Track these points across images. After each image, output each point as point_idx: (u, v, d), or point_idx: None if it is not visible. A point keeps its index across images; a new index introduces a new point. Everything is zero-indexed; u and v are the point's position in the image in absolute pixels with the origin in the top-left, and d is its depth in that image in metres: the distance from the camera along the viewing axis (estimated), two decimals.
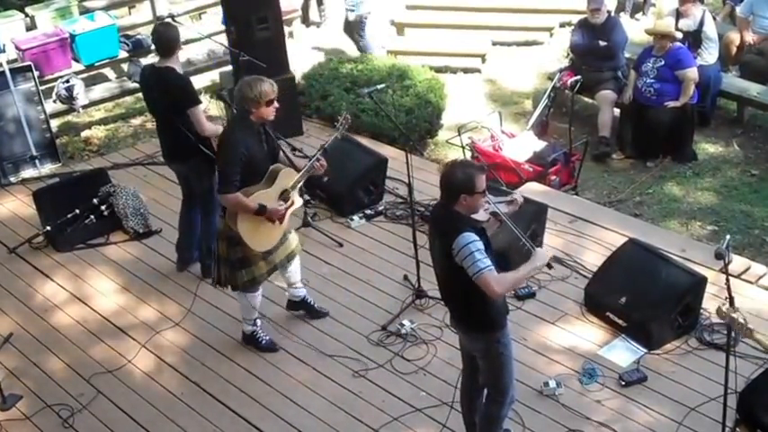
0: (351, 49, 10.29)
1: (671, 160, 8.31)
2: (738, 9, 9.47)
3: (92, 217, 7.11)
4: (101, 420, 5.39)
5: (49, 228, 7.01)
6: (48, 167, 8.44)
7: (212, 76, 9.98)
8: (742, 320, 4.22)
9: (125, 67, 9.95)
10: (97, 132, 9.22)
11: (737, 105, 8.98)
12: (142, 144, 8.79)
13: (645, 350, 5.61)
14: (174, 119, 5.96)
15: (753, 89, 8.74)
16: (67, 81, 9.13)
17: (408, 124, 8.31)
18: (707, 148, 8.53)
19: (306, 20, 11.58)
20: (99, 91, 9.61)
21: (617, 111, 8.73)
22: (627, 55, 8.91)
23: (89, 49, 9.18)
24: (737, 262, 6.20)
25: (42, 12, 9.59)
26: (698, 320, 5.75)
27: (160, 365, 5.83)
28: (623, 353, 5.64)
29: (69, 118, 9.36)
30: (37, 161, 8.39)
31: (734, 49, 9.32)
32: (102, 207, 7.15)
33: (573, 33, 9.08)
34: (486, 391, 4.75)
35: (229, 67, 9.12)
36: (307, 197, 7.32)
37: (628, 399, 5.29)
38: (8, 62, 8.31)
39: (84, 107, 9.33)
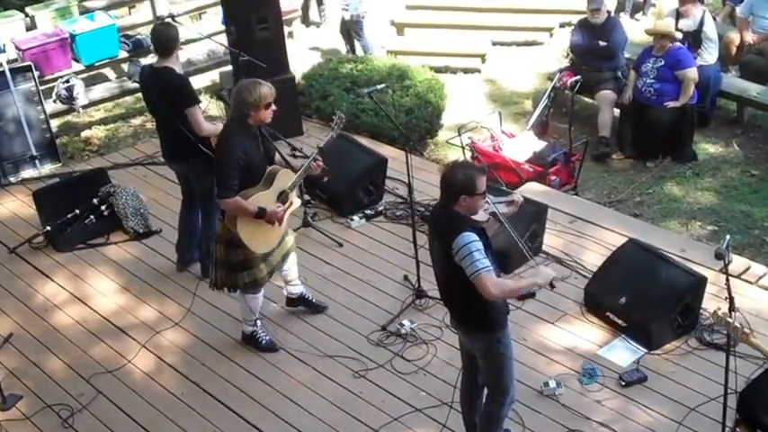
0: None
1: (671, 160, 8.31)
2: (738, 9, 9.48)
3: (92, 217, 7.11)
4: (101, 420, 5.39)
5: (48, 228, 7.01)
6: (48, 167, 8.44)
7: (212, 76, 10.00)
8: (738, 325, 4.22)
9: (125, 67, 9.96)
10: (97, 132, 9.22)
11: (737, 105, 8.99)
12: (142, 144, 8.79)
13: (645, 350, 5.61)
14: (174, 119, 5.96)
15: (753, 89, 8.74)
16: (67, 81, 9.13)
17: (408, 124, 8.31)
18: (707, 148, 8.53)
19: (306, 20, 11.59)
20: (99, 91, 9.62)
21: (617, 111, 8.73)
22: (627, 55, 8.91)
23: (89, 49, 9.18)
24: (737, 262, 6.20)
25: (42, 12, 9.59)
26: (698, 320, 5.74)
27: (160, 365, 5.83)
28: (623, 353, 5.64)
29: (69, 118, 9.37)
30: (37, 161, 8.39)
31: (734, 50, 9.33)
32: (102, 207, 7.15)
33: (573, 33, 9.08)
34: (486, 391, 4.76)
35: (229, 67, 9.13)
36: (307, 197, 7.33)
37: (628, 399, 5.29)
38: (8, 62, 8.31)
39: (84, 107, 9.33)
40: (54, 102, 9.14)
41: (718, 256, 4.27)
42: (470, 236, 4.16)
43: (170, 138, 6.19)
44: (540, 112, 8.78)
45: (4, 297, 6.58)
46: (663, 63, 8.17)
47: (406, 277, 6.41)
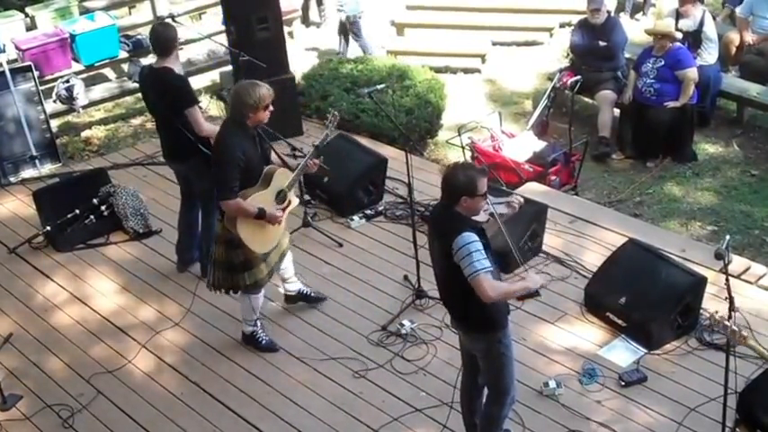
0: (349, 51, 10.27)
1: (671, 160, 8.31)
2: (738, 9, 9.47)
3: (92, 217, 7.11)
4: (101, 420, 5.39)
5: (49, 228, 7.01)
6: (48, 167, 8.44)
7: (212, 76, 10.00)
8: (735, 328, 4.23)
9: (125, 67, 9.96)
10: (97, 132, 9.22)
11: (737, 105, 8.99)
12: (142, 144, 8.80)
13: (645, 350, 5.61)
14: (174, 119, 5.96)
15: (752, 89, 8.74)
16: (67, 81, 9.13)
17: (408, 124, 8.32)
18: (707, 148, 8.54)
19: (306, 20, 11.59)
20: (99, 91, 9.62)
21: (617, 111, 8.73)
22: (627, 55, 8.91)
23: (89, 50, 9.18)
24: (737, 262, 6.20)
25: (42, 12, 9.60)
26: (698, 321, 5.74)
27: (160, 365, 5.83)
28: (623, 353, 5.64)
29: (69, 118, 9.37)
30: (37, 161, 8.39)
31: (733, 50, 9.33)
32: (102, 207, 7.15)
33: (573, 33, 9.09)
34: (486, 391, 4.76)
35: (229, 68, 9.13)
36: (307, 197, 7.33)
37: (628, 399, 5.29)
38: (8, 62, 8.31)
39: (84, 107, 9.33)
40: (54, 102, 9.14)
41: (718, 256, 4.27)
42: (470, 236, 4.16)
43: (170, 138, 6.19)
44: (540, 112, 8.78)
45: (4, 297, 6.58)
46: (663, 63, 8.17)
47: (406, 277, 6.41)
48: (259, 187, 5.37)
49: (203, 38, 9.39)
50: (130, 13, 11.10)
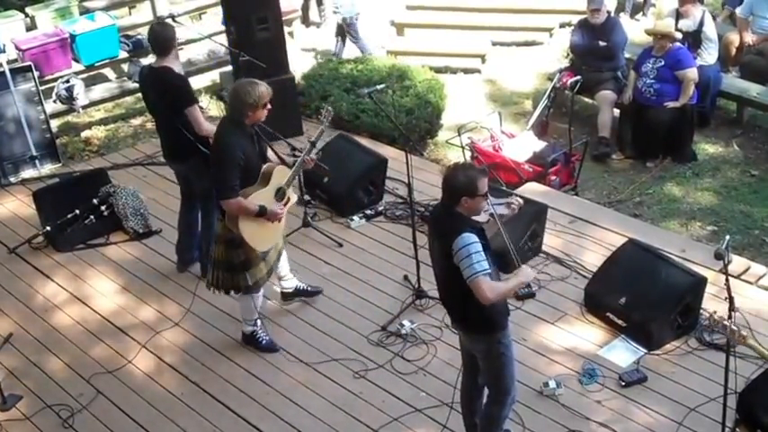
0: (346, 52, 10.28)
1: (671, 161, 8.31)
2: (738, 10, 9.48)
3: (92, 217, 7.11)
4: (101, 420, 5.39)
5: (48, 228, 7.01)
6: (48, 167, 8.44)
7: (212, 77, 9.99)
8: (735, 328, 4.23)
9: (125, 67, 9.96)
10: (97, 132, 9.22)
11: (737, 106, 8.99)
12: (142, 144, 8.80)
13: (645, 350, 5.61)
14: (173, 118, 5.96)
15: (752, 89, 8.74)
16: (67, 81, 9.13)
17: (408, 124, 8.31)
18: (707, 148, 8.54)
19: (306, 20, 11.59)
20: (99, 91, 9.61)
21: (617, 111, 8.73)
22: (627, 55, 8.91)
23: (89, 50, 9.18)
24: (737, 262, 6.20)
25: (42, 12, 9.59)
26: (698, 321, 5.74)
27: (160, 366, 5.83)
28: (623, 353, 5.64)
29: (69, 118, 9.37)
30: (37, 161, 8.39)
31: (733, 50, 9.33)
32: (102, 207, 7.15)
33: (573, 34, 9.09)
34: (486, 391, 4.76)
35: (229, 68, 9.13)
36: (307, 197, 7.34)
37: (628, 399, 5.29)
38: (8, 62, 8.31)
39: (84, 107, 9.33)
40: (54, 102, 9.14)
41: (718, 256, 4.27)
42: (470, 237, 4.16)
43: (170, 137, 6.19)
44: (540, 113, 8.78)
45: (4, 297, 6.58)
46: (663, 63, 8.17)
47: (406, 277, 6.41)
48: (258, 186, 5.37)
49: (203, 38, 9.39)
50: (130, 13, 11.10)
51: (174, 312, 6.29)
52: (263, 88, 5.24)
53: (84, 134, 9.15)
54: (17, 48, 8.81)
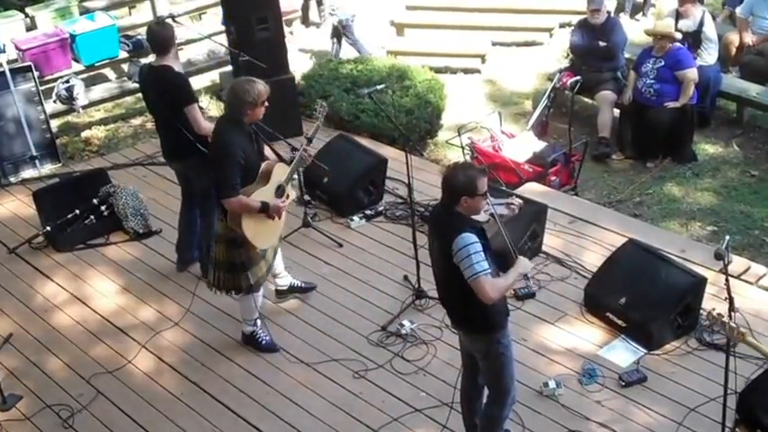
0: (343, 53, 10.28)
1: (671, 161, 8.31)
2: (738, 10, 9.48)
3: (92, 217, 7.11)
4: (100, 421, 5.39)
5: (49, 228, 7.01)
6: (48, 168, 8.45)
7: (212, 77, 10.00)
8: (733, 324, 4.22)
9: (125, 67, 9.96)
10: (97, 132, 9.22)
11: (737, 106, 8.99)
12: (142, 144, 8.80)
13: (645, 350, 5.61)
14: (173, 117, 5.97)
15: (752, 90, 8.74)
16: (67, 81, 9.13)
17: (408, 125, 8.31)
18: (706, 148, 8.54)
19: (306, 20, 11.59)
20: (99, 91, 9.61)
21: (617, 111, 8.73)
22: (626, 55, 8.91)
23: (89, 50, 9.18)
24: (737, 262, 6.20)
25: (42, 12, 9.59)
26: (698, 321, 5.74)
27: (160, 366, 5.83)
28: (623, 353, 5.64)
29: (69, 118, 9.37)
30: (37, 161, 8.39)
31: (733, 50, 9.33)
32: (102, 207, 7.15)
33: (573, 34, 9.09)
34: (486, 391, 4.76)
35: (229, 68, 9.13)
36: (307, 198, 7.34)
37: (628, 399, 5.29)
38: (8, 62, 8.31)
39: (84, 107, 9.33)
40: (54, 102, 9.14)
41: (718, 256, 4.27)
42: (470, 237, 4.16)
43: (170, 137, 6.19)
44: (540, 113, 8.78)
45: (4, 297, 6.58)
46: (663, 63, 8.17)
47: (405, 277, 6.41)
48: (259, 184, 5.38)
49: (203, 38, 9.39)
50: (130, 14, 11.10)
51: (173, 312, 6.29)
52: (261, 86, 5.25)
53: (84, 134, 9.15)
54: (17, 48, 8.82)
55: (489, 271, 4.17)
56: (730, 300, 4.33)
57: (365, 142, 8.01)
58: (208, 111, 9.20)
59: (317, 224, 7.11)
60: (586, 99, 9.05)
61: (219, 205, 5.38)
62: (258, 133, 5.47)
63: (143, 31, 9.71)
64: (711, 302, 5.51)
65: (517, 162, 7.83)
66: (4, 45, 8.73)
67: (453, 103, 9.18)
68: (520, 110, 9.51)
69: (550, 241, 6.69)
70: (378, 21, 11.05)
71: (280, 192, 5.49)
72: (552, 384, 5.34)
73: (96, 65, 9.43)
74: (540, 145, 8.07)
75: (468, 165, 4.69)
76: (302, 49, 10.81)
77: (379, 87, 6.93)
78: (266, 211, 5.34)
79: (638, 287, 5.78)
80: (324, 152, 7.37)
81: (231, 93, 5.30)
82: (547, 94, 8.84)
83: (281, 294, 6.23)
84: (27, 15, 9.59)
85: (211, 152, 5.52)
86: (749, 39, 9.24)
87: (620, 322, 5.80)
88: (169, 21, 7.06)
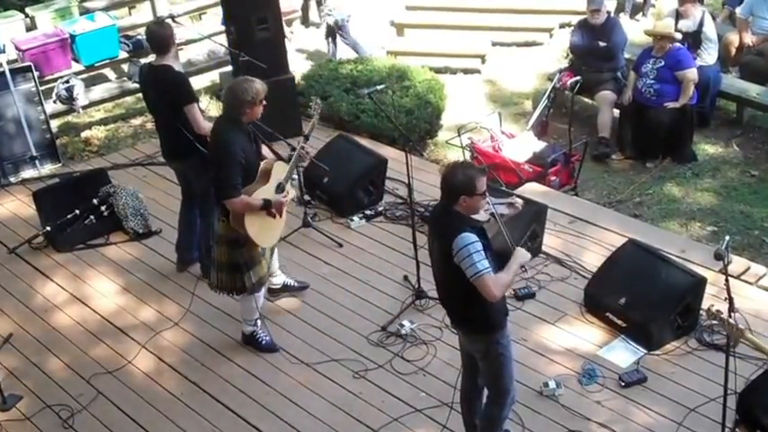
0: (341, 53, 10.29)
1: (670, 161, 8.31)
2: (738, 10, 9.48)
3: (92, 217, 7.11)
4: (100, 421, 5.39)
5: (48, 228, 7.01)
6: (48, 168, 8.45)
7: (212, 77, 10.00)
8: (732, 321, 4.23)
9: (125, 67, 9.96)
10: (97, 133, 9.22)
11: (737, 106, 8.99)
12: (142, 144, 8.80)
13: (645, 351, 5.61)
14: (173, 117, 5.97)
15: (752, 90, 8.74)
16: (67, 81, 9.12)
17: (408, 125, 8.31)
18: (706, 148, 8.54)
19: (306, 20, 11.59)
20: (99, 91, 9.61)
21: (616, 111, 8.73)
22: (626, 56, 8.91)
23: (89, 50, 9.18)
24: (737, 263, 6.21)
25: (42, 12, 9.59)
26: (698, 321, 5.74)
27: (160, 366, 5.83)
28: (623, 353, 5.64)
29: (69, 118, 9.37)
30: (37, 161, 8.39)
31: (733, 50, 9.33)
32: (102, 207, 7.15)
33: (572, 34, 9.09)
34: (486, 392, 4.76)
35: (229, 68, 9.13)
36: (307, 198, 7.34)
37: (627, 399, 5.29)
38: (8, 62, 8.31)
39: (84, 107, 9.33)
40: (54, 102, 9.14)
41: (718, 256, 4.27)
42: (470, 236, 4.16)
43: (169, 137, 6.19)
44: (540, 113, 8.78)
45: (4, 297, 6.58)
46: (662, 64, 8.17)
47: (405, 278, 6.41)
48: (259, 183, 5.40)
49: (203, 38, 9.39)
50: (130, 14, 11.10)
51: (173, 312, 6.29)
52: (259, 85, 5.26)
53: (84, 134, 9.16)
54: (17, 48, 8.81)
55: (491, 269, 4.17)
56: (730, 300, 4.33)
57: (365, 142, 8.01)
58: (208, 111, 9.20)
59: (317, 224, 7.11)
60: (586, 99, 9.05)
61: (220, 206, 5.38)
62: (256, 132, 5.48)
63: (143, 31, 9.73)
64: (711, 303, 5.51)
65: (517, 162, 7.83)
66: (4, 45, 8.74)
67: (453, 103, 9.18)
68: (520, 110, 9.51)
69: (550, 241, 6.70)
70: (377, 21, 11.05)
71: (280, 190, 5.51)
72: (552, 384, 5.34)
73: (96, 65, 9.43)
74: (539, 145, 8.07)
75: (468, 164, 4.69)
76: (300, 50, 10.81)
77: (378, 87, 6.94)
78: (268, 207, 5.35)
79: (638, 287, 5.78)
80: (324, 152, 7.38)
81: (229, 92, 5.31)
82: (547, 94, 8.84)
83: (274, 293, 6.24)
84: (27, 15, 9.59)
85: (211, 152, 5.52)
86: (749, 39, 9.23)
87: (619, 322, 5.80)
88: (169, 21, 7.07)
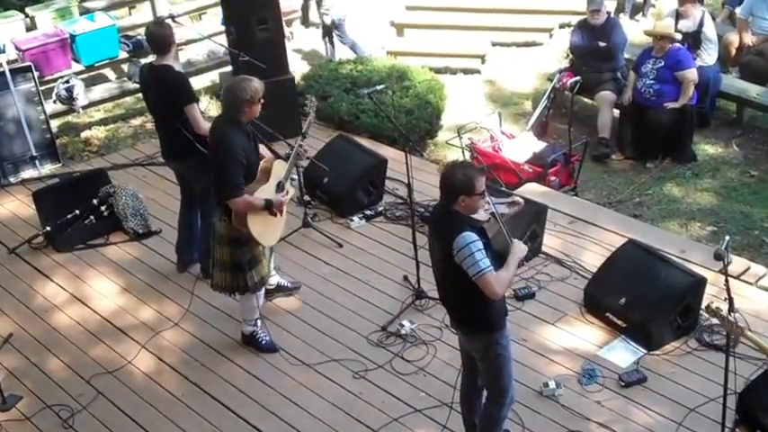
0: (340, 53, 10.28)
1: (670, 161, 8.31)
2: (738, 10, 9.48)
3: (92, 217, 7.11)
4: (100, 421, 5.39)
5: (48, 228, 7.01)
6: (48, 168, 8.45)
7: (212, 77, 10.00)
8: (732, 318, 4.23)
9: (125, 67, 9.96)
10: (97, 133, 9.22)
11: (737, 106, 8.99)
12: (142, 144, 8.80)
13: (644, 351, 5.61)
14: (173, 117, 5.97)
15: (752, 90, 8.74)
16: (67, 81, 9.12)
17: (408, 125, 8.31)
18: (706, 149, 8.54)
19: (306, 20, 11.59)
20: (99, 91, 9.61)
21: (616, 112, 8.74)
22: (626, 56, 8.91)
23: (89, 50, 9.17)
24: (737, 263, 6.21)
25: (42, 12, 9.58)
26: (698, 321, 5.75)
27: (160, 366, 5.84)
28: (623, 353, 5.64)
29: (69, 118, 9.37)
30: (37, 161, 8.39)
31: (733, 51, 9.33)
32: (102, 207, 7.15)
33: (572, 34, 9.09)
34: (485, 392, 4.76)
35: (229, 68, 9.13)
36: (307, 198, 7.34)
37: (627, 399, 5.29)
38: (8, 62, 8.31)
39: (84, 107, 9.32)
40: (54, 102, 9.13)
41: (718, 256, 4.27)
42: (470, 236, 4.16)
43: (169, 136, 6.20)
44: (540, 113, 8.78)
45: (4, 297, 6.58)
46: (662, 64, 8.18)
47: (405, 278, 6.41)
48: (259, 182, 5.40)
49: (203, 38, 9.39)
50: (130, 14, 11.10)
51: (173, 312, 6.29)
52: (257, 84, 5.27)
53: (84, 134, 9.16)
54: (17, 48, 8.81)
55: (492, 268, 4.17)
56: (730, 300, 4.33)
57: (365, 142, 8.01)
58: (208, 111, 9.20)
59: (317, 224, 7.11)
60: (586, 99, 9.05)
61: (220, 206, 5.38)
62: (255, 132, 5.48)
63: (143, 31, 9.73)
64: (711, 300, 5.52)
65: (517, 162, 7.83)
66: (4, 45, 8.74)
67: (453, 103, 9.18)
68: (520, 110, 9.51)
69: (550, 241, 6.70)
70: (377, 21, 11.05)
71: (280, 189, 5.53)
72: (552, 385, 5.34)
73: (96, 65, 9.42)
74: (539, 145, 8.07)
75: (467, 164, 4.69)
76: (297, 50, 10.80)
77: (378, 88, 6.94)
78: (270, 207, 5.36)
79: (638, 287, 5.78)
80: (324, 152, 7.38)
81: (228, 92, 5.31)
82: (547, 94, 8.85)
83: (268, 293, 6.22)
84: (27, 15, 9.59)
85: (211, 152, 5.52)
86: (749, 39, 9.23)
87: (619, 322, 5.80)
88: (169, 21, 7.07)
